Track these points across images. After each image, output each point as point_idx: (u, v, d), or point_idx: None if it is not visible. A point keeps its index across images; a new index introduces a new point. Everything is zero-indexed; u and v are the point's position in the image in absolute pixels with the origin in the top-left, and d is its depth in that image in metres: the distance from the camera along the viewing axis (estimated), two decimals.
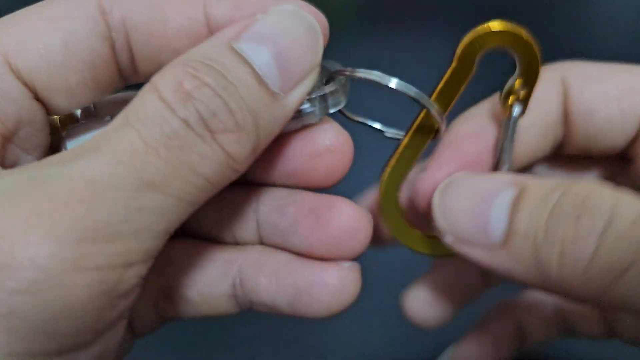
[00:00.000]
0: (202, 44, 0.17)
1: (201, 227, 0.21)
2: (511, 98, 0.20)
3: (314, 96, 0.19)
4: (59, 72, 0.17)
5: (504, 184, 0.18)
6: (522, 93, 0.20)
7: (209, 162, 0.15)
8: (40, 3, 0.18)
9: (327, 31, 0.18)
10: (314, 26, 0.17)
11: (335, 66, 0.20)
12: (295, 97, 0.17)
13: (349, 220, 0.20)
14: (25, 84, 0.17)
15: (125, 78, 0.19)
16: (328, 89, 0.20)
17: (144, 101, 0.15)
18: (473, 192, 0.19)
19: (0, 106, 0.17)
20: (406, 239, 0.22)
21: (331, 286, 0.20)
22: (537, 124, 0.21)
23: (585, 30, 0.58)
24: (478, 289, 0.24)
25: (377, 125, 0.22)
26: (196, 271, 0.21)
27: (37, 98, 0.18)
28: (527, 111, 0.20)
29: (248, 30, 0.17)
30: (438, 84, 0.22)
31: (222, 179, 0.16)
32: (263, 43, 0.16)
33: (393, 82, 0.20)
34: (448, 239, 0.19)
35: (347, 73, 0.20)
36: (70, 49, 0.17)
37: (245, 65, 0.16)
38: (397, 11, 0.58)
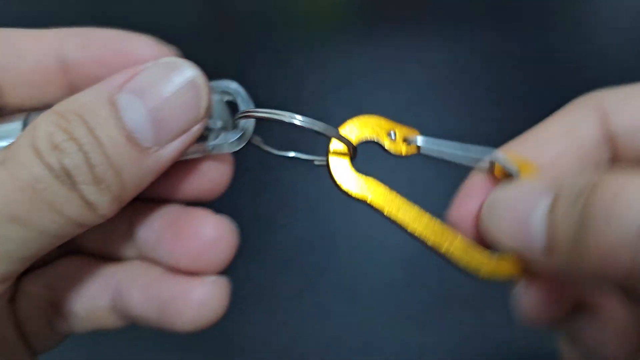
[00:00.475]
0: (88, 91, 0.17)
1: (88, 244, 0.22)
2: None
3: (215, 139, 0.20)
4: None
5: (540, 191, 0.18)
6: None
7: (72, 206, 0.16)
8: None
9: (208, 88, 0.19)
10: (196, 81, 0.18)
11: (245, 103, 0.21)
12: (171, 150, 0.18)
13: (210, 232, 0.21)
14: None
15: None
16: (231, 133, 0.20)
17: (20, 144, 0.16)
18: (513, 207, 0.19)
19: None
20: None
21: (194, 301, 0.20)
22: (572, 152, 0.21)
23: (586, 30, 0.58)
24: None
25: (304, 156, 0.22)
26: (80, 286, 0.21)
27: None
28: (560, 140, 0.20)
29: (130, 82, 0.17)
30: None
31: (88, 220, 0.17)
32: (142, 96, 0.17)
33: (297, 120, 0.20)
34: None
35: (253, 114, 0.20)
36: None
37: (116, 120, 0.17)
38: (397, 11, 0.58)
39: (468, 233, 0.21)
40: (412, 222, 0.21)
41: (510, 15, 0.58)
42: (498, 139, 0.50)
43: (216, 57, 0.58)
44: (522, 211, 0.18)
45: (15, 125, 0.19)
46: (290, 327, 0.35)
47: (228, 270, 0.41)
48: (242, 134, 0.20)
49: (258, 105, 0.22)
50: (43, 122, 0.17)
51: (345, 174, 0.21)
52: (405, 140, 0.21)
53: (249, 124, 0.21)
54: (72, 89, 0.21)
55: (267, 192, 0.43)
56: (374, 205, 0.21)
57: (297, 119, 0.19)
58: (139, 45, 0.20)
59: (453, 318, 0.36)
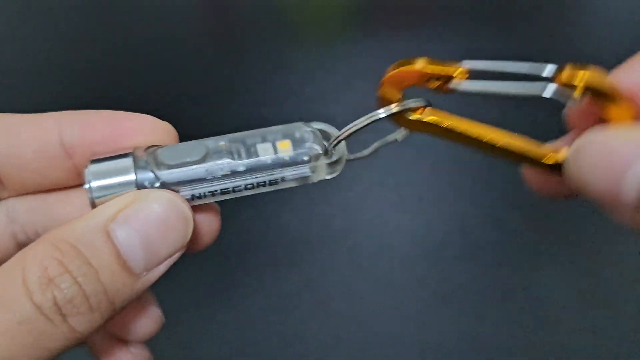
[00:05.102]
0: (81, 219, 0.18)
1: None
2: None
3: (313, 165, 0.20)
4: None
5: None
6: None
7: (57, 340, 0.17)
8: None
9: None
10: (185, 214, 0.19)
11: (328, 129, 0.21)
12: (157, 273, 0.18)
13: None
14: None
15: None
16: (330, 160, 0.21)
17: (8, 280, 0.17)
18: (608, 158, 0.18)
19: None
20: None
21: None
22: None
23: (586, 30, 0.58)
24: None
25: (390, 137, 0.22)
26: None
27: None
28: None
29: (124, 213, 0.18)
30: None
31: (72, 345, 0.17)
32: (136, 228, 0.18)
33: (379, 115, 0.20)
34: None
35: (344, 136, 0.20)
36: None
37: (112, 250, 0.17)
38: (397, 13, 0.58)
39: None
40: (484, 133, 0.20)
41: (509, 15, 0.58)
42: None
43: (217, 58, 0.58)
44: (617, 164, 0.17)
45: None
46: (290, 326, 0.35)
47: (228, 270, 0.41)
48: (338, 159, 0.21)
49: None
50: (37, 254, 0.17)
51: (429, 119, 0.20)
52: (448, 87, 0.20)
53: (342, 148, 0.21)
54: (75, 172, 0.21)
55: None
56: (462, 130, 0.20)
57: (379, 115, 0.19)
58: (137, 124, 0.21)
59: (453, 318, 0.36)
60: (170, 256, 0.19)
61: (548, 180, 0.20)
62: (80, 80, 0.55)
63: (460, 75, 0.20)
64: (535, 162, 0.20)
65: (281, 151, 0.20)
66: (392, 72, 0.20)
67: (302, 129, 0.20)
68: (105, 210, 0.18)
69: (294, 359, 0.34)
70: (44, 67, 0.57)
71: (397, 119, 0.21)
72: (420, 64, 0.19)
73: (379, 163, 0.43)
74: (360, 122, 0.20)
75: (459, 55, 0.23)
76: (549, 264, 0.38)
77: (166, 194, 0.19)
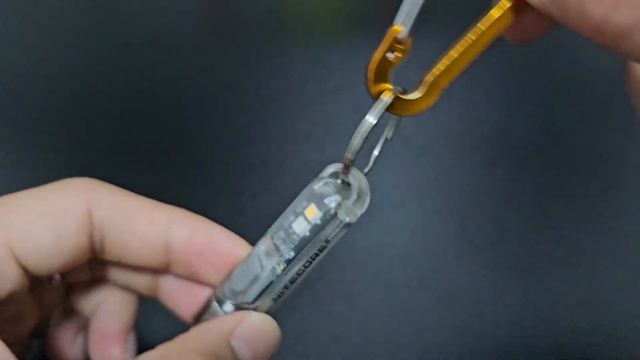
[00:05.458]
0: (204, 332, 0.22)
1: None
2: None
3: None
4: (48, 259, 0.22)
5: None
6: None
7: None
8: (37, 192, 0.23)
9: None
10: (279, 335, 0.23)
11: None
12: None
13: None
14: (20, 265, 0.22)
15: (95, 258, 0.24)
16: (352, 198, 0.22)
17: None
18: None
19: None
20: None
21: None
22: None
23: None
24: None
25: (385, 134, 0.22)
26: None
27: (24, 272, 0.22)
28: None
29: (240, 329, 0.22)
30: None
31: None
32: (249, 344, 0.22)
33: (369, 121, 0.20)
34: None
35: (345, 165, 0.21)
36: (60, 244, 0.22)
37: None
38: (396, 12, 0.58)
39: None
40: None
41: None
42: (496, 139, 0.51)
43: (217, 58, 0.58)
44: None
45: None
46: (290, 326, 0.35)
47: None
48: (359, 192, 0.21)
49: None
50: None
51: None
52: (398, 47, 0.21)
53: (355, 177, 0.21)
54: (166, 269, 0.25)
55: (267, 192, 0.43)
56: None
57: (369, 122, 0.20)
58: (236, 247, 0.25)
59: (453, 318, 0.36)
60: None
61: (522, 22, 0.22)
62: (80, 80, 0.55)
63: (399, 33, 0.21)
64: (507, 18, 0.21)
65: (311, 219, 0.21)
66: (369, 67, 0.21)
67: (319, 185, 0.21)
68: (224, 323, 0.22)
69: (294, 359, 0.34)
70: (43, 67, 0.57)
71: (396, 108, 0.21)
72: (385, 51, 0.20)
73: (379, 163, 0.43)
74: (356, 141, 0.20)
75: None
76: (549, 264, 0.38)
77: (259, 313, 0.23)
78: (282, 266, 0.22)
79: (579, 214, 0.42)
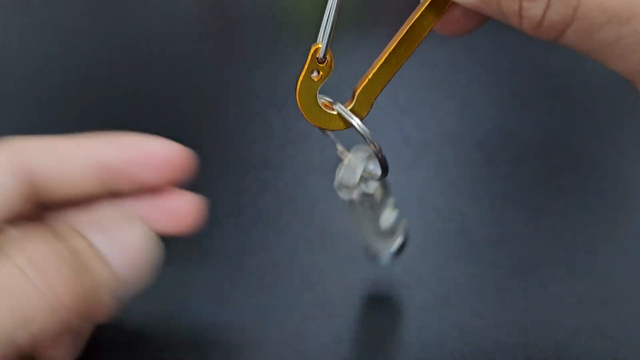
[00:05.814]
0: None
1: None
2: None
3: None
4: None
5: None
6: None
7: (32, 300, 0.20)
8: None
9: None
10: (148, 232, 0.24)
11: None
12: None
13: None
14: None
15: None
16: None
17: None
18: None
19: None
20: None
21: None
22: None
23: None
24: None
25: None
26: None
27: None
28: None
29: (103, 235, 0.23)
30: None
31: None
32: (113, 242, 0.23)
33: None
34: None
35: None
36: None
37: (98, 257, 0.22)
38: (397, 12, 0.58)
39: None
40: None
41: None
42: (497, 138, 0.51)
43: (217, 57, 0.58)
44: None
45: None
46: (290, 327, 0.35)
47: (228, 270, 0.41)
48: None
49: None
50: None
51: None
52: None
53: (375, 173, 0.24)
54: (106, 187, 0.26)
55: (267, 192, 0.43)
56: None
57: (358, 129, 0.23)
58: (161, 146, 0.27)
59: (453, 318, 0.36)
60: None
61: (451, 17, 0.22)
62: (79, 80, 0.55)
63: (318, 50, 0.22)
64: (432, 14, 0.21)
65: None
66: (297, 89, 0.22)
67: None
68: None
69: (294, 359, 0.34)
70: (43, 67, 0.57)
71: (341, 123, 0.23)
72: (316, 69, 0.21)
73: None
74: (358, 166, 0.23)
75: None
76: (549, 264, 0.38)
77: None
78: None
79: (579, 214, 0.42)
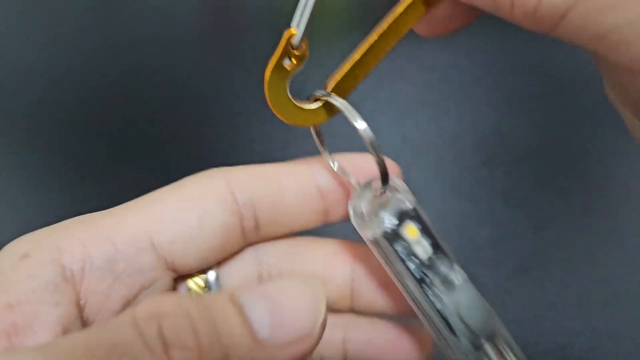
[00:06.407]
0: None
1: None
2: None
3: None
4: (193, 244, 0.20)
5: None
6: None
7: None
8: (175, 185, 0.21)
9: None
10: (317, 294, 0.17)
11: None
12: (286, 353, 0.17)
13: None
14: (163, 258, 0.20)
15: (247, 240, 0.22)
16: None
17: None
18: None
19: (135, 279, 0.19)
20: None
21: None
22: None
23: None
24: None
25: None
26: None
27: (169, 267, 0.20)
28: None
29: (249, 288, 0.17)
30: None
31: None
32: (261, 298, 0.17)
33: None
34: None
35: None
36: (204, 224, 0.20)
37: (236, 309, 0.16)
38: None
39: None
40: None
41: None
42: (496, 139, 0.51)
43: (217, 57, 0.58)
44: None
45: None
46: None
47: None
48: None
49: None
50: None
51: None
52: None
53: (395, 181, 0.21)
54: (326, 212, 0.23)
55: None
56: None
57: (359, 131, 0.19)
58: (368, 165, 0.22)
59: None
60: (299, 336, 0.17)
61: (435, 15, 0.21)
62: (79, 79, 0.55)
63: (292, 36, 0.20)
64: (414, 13, 0.20)
65: (416, 237, 0.21)
66: (265, 77, 0.20)
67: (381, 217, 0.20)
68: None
69: None
70: (43, 67, 0.57)
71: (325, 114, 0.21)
72: (290, 59, 0.20)
73: None
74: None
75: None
76: (548, 264, 0.38)
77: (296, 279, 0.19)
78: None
79: (579, 214, 0.42)
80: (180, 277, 0.21)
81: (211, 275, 0.21)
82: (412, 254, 0.19)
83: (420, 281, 0.19)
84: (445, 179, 0.45)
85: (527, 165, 0.45)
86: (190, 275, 0.21)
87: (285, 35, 0.19)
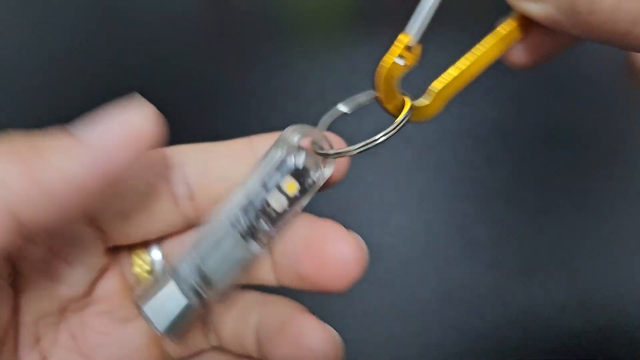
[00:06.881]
0: None
1: None
2: None
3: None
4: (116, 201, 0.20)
5: None
6: None
7: None
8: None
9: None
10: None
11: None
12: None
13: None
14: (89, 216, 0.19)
15: (184, 212, 0.21)
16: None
17: None
18: None
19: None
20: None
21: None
22: None
23: None
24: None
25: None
26: None
27: (95, 225, 0.20)
28: None
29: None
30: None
31: None
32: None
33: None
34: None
35: (344, 154, 0.20)
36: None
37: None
38: (397, 14, 0.58)
39: None
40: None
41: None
42: (497, 139, 0.51)
43: (218, 57, 0.58)
44: None
45: None
46: None
47: None
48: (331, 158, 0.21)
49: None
50: None
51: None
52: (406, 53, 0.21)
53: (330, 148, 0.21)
54: None
55: None
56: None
57: (380, 138, 0.20)
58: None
59: (453, 318, 0.36)
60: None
61: (531, 43, 0.22)
62: (78, 79, 0.55)
63: (408, 41, 0.21)
64: (513, 36, 0.22)
65: (291, 194, 0.20)
66: (384, 73, 0.21)
67: (293, 158, 0.20)
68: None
69: None
70: (43, 66, 0.57)
71: (413, 116, 0.22)
72: (404, 57, 0.21)
73: (379, 163, 0.43)
74: (374, 140, 0.20)
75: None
76: (548, 264, 0.38)
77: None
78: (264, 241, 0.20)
79: (579, 214, 0.42)
80: (126, 259, 0.21)
81: (156, 254, 0.22)
82: (274, 191, 0.20)
83: (247, 207, 0.20)
84: (446, 178, 0.45)
85: (528, 165, 0.45)
86: (135, 253, 0.21)
87: (400, 37, 0.20)
